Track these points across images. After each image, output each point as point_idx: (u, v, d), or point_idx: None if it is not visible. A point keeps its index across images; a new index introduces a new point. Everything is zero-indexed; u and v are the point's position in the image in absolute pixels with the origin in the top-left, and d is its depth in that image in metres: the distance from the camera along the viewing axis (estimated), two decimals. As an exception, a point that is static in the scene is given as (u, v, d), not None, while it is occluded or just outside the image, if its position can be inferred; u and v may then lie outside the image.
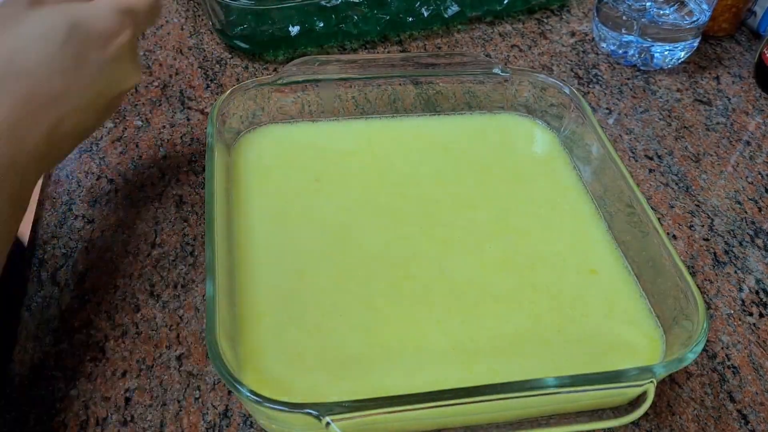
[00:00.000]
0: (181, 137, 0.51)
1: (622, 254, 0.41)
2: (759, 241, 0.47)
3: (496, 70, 0.48)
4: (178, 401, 0.36)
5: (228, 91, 0.44)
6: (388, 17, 0.60)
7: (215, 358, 0.30)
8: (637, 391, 0.31)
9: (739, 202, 0.50)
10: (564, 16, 0.67)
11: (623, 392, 0.31)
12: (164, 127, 0.52)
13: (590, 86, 0.59)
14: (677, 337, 0.35)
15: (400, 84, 0.49)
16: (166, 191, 0.47)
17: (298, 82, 0.46)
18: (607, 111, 0.57)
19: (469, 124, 0.49)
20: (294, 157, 0.45)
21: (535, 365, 0.35)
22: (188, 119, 0.52)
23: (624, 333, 0.37)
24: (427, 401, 0.29)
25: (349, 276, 0.39)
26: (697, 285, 0.39)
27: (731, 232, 0.48)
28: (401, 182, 0.44)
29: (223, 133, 0.43)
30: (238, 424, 0.36)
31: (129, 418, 0.35)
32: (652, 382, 0.31)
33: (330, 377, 0.34)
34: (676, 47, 0.59)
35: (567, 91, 0.47)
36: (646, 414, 0.34)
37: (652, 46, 0.59)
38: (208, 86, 0.55)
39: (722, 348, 0.41)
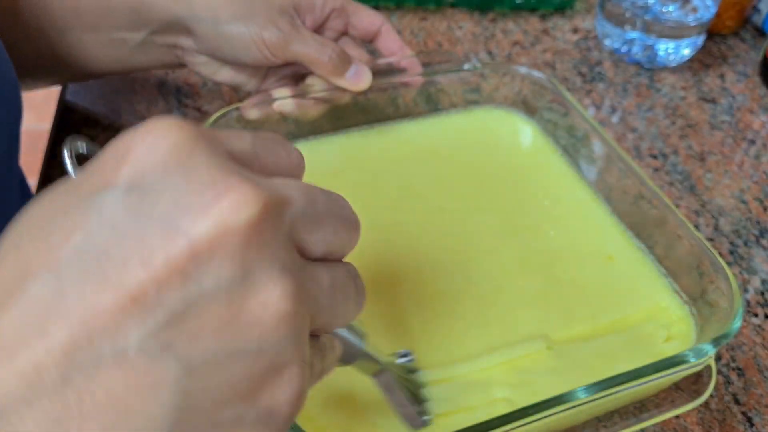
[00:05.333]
0: (178, 136, 0.50)
1: (633, 236, 0.41)
2: (764, 242, 0.47)
3: (467, 66, 0.47)
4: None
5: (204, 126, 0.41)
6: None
7: None
8: (694, 370, 0.32)
9: (744, 202, 0.49)
10: (567, 13, 0.66)
11: (678, 375, 0.32)
12: (161, 125, 0.51)
13: (593, 84, 0.58)
14: (709, 308, 0.36)
15: (371, 93, 0.46)
16: (163, 191, 0.46)
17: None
18: (611, 109, 0.56)
19: (449, 124, 0.48)
20: None
21: (580, 363, 0.35)
22: (185, 118, 0.52)
23: (654, 314, 0.38)
24: (512, 420, 0.29)
25: (375, 303, 0.37)
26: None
27: (736, 232, 0.47)
28: (397, 195, 0.43)
29: None
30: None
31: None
32: (711, 357, 0.32)
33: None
34: (681, 44, 0.58)
35: (543, 79, 0.46)
36: (649, 418, 0.33)
37: (656, 43, 0.58)
38: (204, 84, 0.55)
39: (727, 350, 0.40)
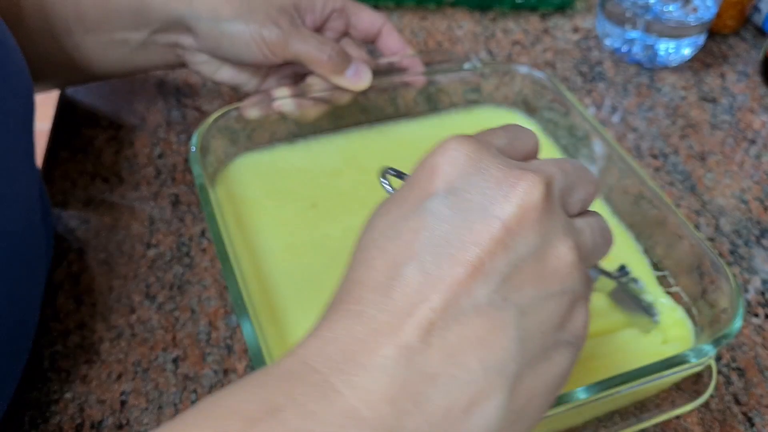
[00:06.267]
0: (177, 136, 0.50)
1: (633, 236, 0.41)
2: (765, 242, 0.47)
3: (467, 66, 0.47)
4: (174, 404, 0.36)
5: (203, 127, 0.41)
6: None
7: None
8: (695, 371, 0.32)
9: (744, 202, 0.49)
10: (567, 13, 0.66)
11: (679, 375, 0.32)
12: (160, 125, 0.51)
13: (594, 84, 0.58)
14: (710, 308, 0.36)
15: (371, 92, 0.46)
16: (162, 191, 0.46)
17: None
18: (612, 109, 0.56)
19: (449, 124, 0.48)
20: (282, 186, 0.44)
21: (580, 363, 0.35)
22: (184, 117, 0.52)
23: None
24: None
25: None
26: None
27: (737, 232, 0.47)
28: None
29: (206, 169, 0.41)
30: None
31: (124, 422, 0.35)
32: (711, 357, 0.32)
33: None
34: (681, 44, 0.58)
35: (544, 78, 0.46)
36: (649, 418, 0.33)
37: (657, 42, 0.58)
38: (204, 84, 0.55)
39: (727, 350, 0.40)
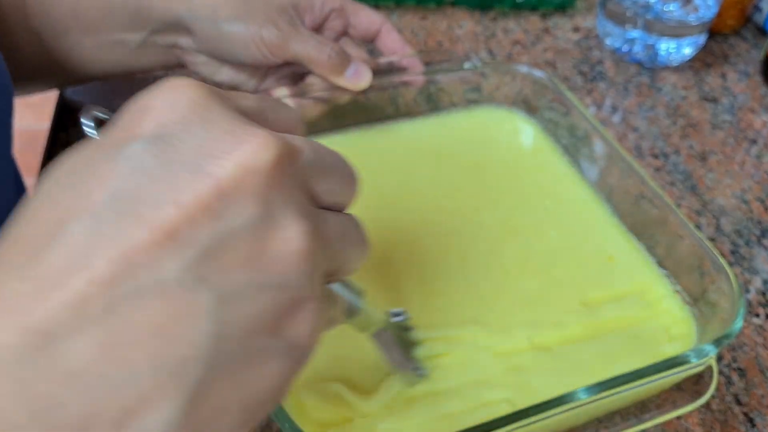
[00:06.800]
0: (178, 135, 0.50)
1: (634, 236, 0.41)
2: (766, 242, 0.46)
3: (467, 65, 0.47)
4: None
5: None
6: None
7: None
8: (696, 371, 0.32)
9: (745, 202, 0.49)
10: (568, 12, 0.66)
11: (680, 376, 0.32)
12: (161, 125, 0.51)
13: (594, 83, 0.58)
14: (711, 308, 0.36)
15: (371, 92, 0.46)
16: (163, 190, 0.46)
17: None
18: (612, 108, 0.56)
19: (449, 124, 0.48)
20: None
21: (581, 364, 0.35)
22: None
23: (655, 315, 0.38)
24: (513, 421, 0.28)
25: (376, 304, 0.37)
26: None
27: (738, 232, 0.47)
28: (397, 195, 0.43)
29: None
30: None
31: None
32: (712, 358, 0.32)
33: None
34: (682, 44, 0.58)
35: (544, 78, 0.46)
36: (650, 419, 0.33)
37: (658, 42, 0.58)
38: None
39: (728, 350, 0.40)
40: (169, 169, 0.17)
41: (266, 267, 0.18)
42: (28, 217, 0.17)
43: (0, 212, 0.33)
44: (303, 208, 0.19)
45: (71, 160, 0.18)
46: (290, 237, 0.18)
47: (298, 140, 0.20)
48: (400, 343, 0.32)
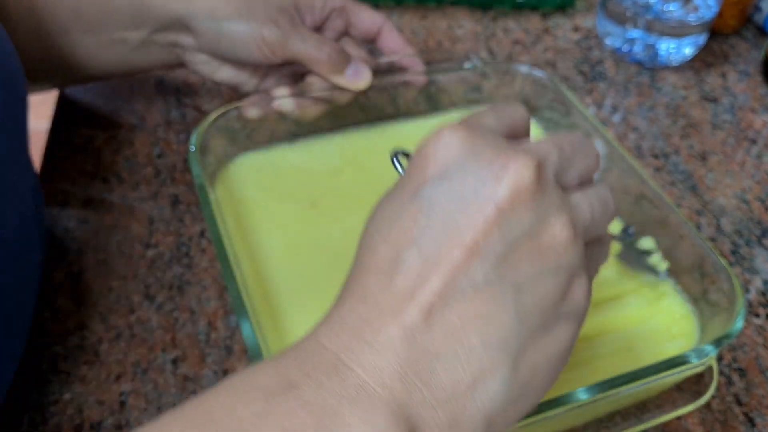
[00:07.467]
0: (176, 135, 0.50)
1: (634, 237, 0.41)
2: (766, 242, 0.46)
3: (468, 65, 0.47)
4: (174, 405, 0.35)
5: (203, 127, 0.41)
6: None
7: None
8: (696, 371, 0.32)
9: (745, 202, 0.49)
10: (568, 12, 0.66)
11: (680, 376, 0.32)
12: (159, 125, 0.51)
13: (595, 83, 0.58)
14: (711, 309, 0.36)
15: (371, 92, 0.46)
16: (161, 191, 0.46)
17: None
18: (612, 108, 0.56)
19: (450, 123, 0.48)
20: (282, 185, 0.43)
21: (581, 364, 0.35)
22: (184, 117, 0.52)
23: (656, 315, 0.38)
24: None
25: None
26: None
27: (738, 232, 0.47)
28: None
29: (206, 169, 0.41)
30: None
31: (124, 422, 0.35)
32: (712, 358, 0.32)
33: None
34: (682, 43, 0.58)
35: (544, 78, 0.46)
36: (650, 419, 0.33)
37: (658, 42, 0.58)
38: (204, 84, 0.54)
39: (728, 350, 0.40)
40: (459, 200, 0.24)
41: (544, 258, 0.24)
42: (370, 250, 0.24)
43: (19, 216, 0.33)
44: (560, 203, 0.25)
45: (386, 205, 0.25)
46: (557, 231, 0.24)
47: (543, 148, 0.25)
48: (638, 253, 0.39)
